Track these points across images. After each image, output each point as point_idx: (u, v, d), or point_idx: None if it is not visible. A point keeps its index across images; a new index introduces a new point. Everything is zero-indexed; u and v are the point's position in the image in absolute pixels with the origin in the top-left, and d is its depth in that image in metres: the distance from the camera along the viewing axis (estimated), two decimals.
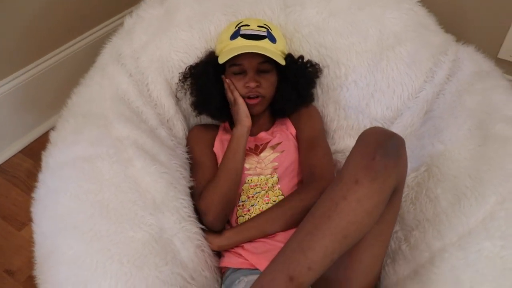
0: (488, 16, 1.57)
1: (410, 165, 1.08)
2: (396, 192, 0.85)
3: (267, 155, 1.20)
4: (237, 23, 1.25)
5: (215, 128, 1.31)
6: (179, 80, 1.29)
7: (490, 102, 1.12)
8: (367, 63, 1.28)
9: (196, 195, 1.13)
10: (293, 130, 1.26)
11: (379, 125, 1.26)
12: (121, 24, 1.39)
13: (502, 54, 1.60)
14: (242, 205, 1.15)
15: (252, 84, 1.17)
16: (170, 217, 1.02)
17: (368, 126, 1.27)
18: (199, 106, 1.26)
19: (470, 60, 1.26)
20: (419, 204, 1.02)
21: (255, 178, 1.17)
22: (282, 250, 0.81)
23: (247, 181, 1.17)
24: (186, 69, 1.29)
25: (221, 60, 1.19)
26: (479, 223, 0.93)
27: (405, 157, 0.85)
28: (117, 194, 1.00)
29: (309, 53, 1.32)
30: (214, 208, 1.09)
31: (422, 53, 1.28)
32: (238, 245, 1.09)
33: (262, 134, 1.24)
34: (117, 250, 0.93)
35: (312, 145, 1.19)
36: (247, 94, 1.19)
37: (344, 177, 0.80)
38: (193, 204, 1.12)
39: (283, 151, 1.20)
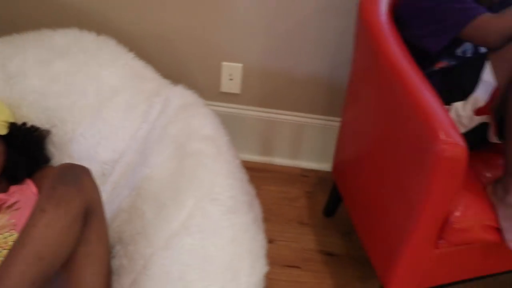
0: (204, 60, 1.85)
1: (127, 191, 1.25)
2: (92, 213, 1.00)
3: (2, 215, 1.27)
4: None
5: None
6: None
7: (189, 127, 1.35)
8: (90, 116, 1.43)
9: None
10: (34, 189, 1.35)
11: (108, 167, 1.41)
12: None
13: (223, 88, 1.89)
14: None
15: None
16: None
17: (99, 171, 1.41)
18: None
19: (178, 96, 1.49)
20: (132, 223, 1.18)
21: None
22: None
23: None
24: None
25: None
26: (181, 225, 1.12)
27: (89, 183, 1.01)
28: None
29: (37, 117, 1.44)
30: None
31: (138, 99, 1.47)
32: None
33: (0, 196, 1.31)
34: None
35: None
36: None
37: (33, 209, 0.93)
38: None
39: (19, 208, 1.28)
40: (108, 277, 1.09)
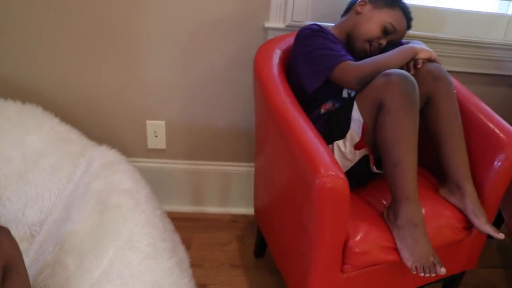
0: (129, 119, 1.97)
1: (51, 248, 1.33)
2: (11, 270, 1.07)
3: None
4: None
5: None
6: None
7: (110, 183, 1.46)
8: (16, 181, 1.52)
9: None
10: None
11: (36, 228, 1.48)
12: None
13: (150, 145, 2.01)
14: None
15: None
16: None
17: (28, 233, 1.48)
18: None
19: (101, 156, 1.60)
20: (56, 277, 1.25)
21: None
22: None
23: None
24: None
25: None
26: (101, 273, 1.21)
27: (7, 241, 1.08)
28: None
29: None
30: None
31: (63, 161, 1.57)
32: None
33: None
34: None
35: None
36: None
37: None
38: None
39: None
40: None
